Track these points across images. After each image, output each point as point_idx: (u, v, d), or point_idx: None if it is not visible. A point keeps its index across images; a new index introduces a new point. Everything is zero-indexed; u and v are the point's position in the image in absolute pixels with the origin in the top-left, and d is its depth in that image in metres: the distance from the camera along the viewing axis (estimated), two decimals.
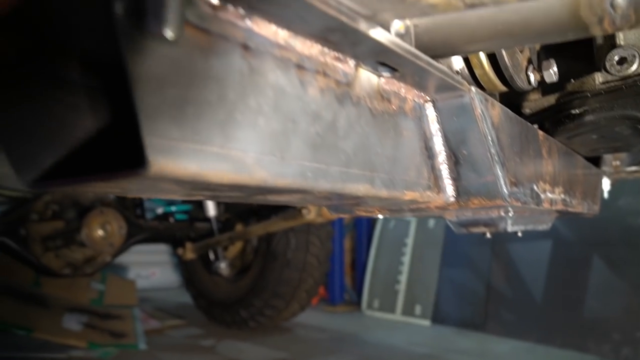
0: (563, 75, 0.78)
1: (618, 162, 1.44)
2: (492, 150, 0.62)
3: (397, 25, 0.45)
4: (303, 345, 2.94)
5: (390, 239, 3.89)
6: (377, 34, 0.40)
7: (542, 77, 0.71)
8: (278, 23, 0.38)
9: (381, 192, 0.54)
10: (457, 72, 0.71)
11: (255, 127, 0.38)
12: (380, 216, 0.84)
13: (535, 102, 0.85)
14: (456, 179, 0.65)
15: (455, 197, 0.67)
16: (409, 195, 0.59)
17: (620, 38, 0.71)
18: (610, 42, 0.72)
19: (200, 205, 3.25)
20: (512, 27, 0.48)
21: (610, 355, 2.60)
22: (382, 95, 0.52)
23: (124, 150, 0.35)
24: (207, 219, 3.17)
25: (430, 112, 0.60)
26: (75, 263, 2.62)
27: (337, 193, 0.48)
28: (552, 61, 0.70)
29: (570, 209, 1.02)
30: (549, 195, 0.86)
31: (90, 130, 0.46)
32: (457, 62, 0.70)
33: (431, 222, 3.68)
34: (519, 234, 1.12)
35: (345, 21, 0.37)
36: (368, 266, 3.93)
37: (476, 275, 3.30)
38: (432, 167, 0.63)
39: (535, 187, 0.79)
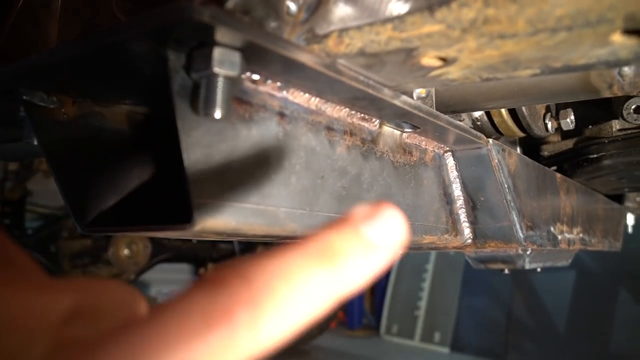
0: (581, 120, 0.81)
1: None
2: (508, 197, 0.65)
3: (419, 90, 0.49)
4: None
5: (410, 264, 3.88)
6: (400, 101, 0.44)
7: (559, 124, 0.74)
8: (310, 92, 0.42)
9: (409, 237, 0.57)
10: (477, 119, 0.75)
11: (288, 185, 0.42)
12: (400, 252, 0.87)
13: (554, 145, 0.87)
14: (473, 222, 0.68)
15: (472, 240, 0.70)
16: (427, 239, 0.62)
17: None
18: None
19: None
20: (526, 89, 0.52)
21: None
22: (404, 149, 0.56)
23: (173, 206, 0.39)
24: (229, 240, 3.23)
25: (449, 161, 0.64)
26: None
27: None
28: (570, 110, 0.73)
29: (589, 248, 1.03)
30: (567, 235, 0.88)
31: (139, 182, 0.51)
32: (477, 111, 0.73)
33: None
34: (538, 270, 1.14)
35: (371, 92, 0.41)
36: (387, 291, 3.91)
37: (497, 303, 3.26)
38: (450, 212, 0.66)
39: (552, 229, 0.81)
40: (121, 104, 0.50)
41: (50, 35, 0.55)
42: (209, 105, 0.33)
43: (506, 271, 1.08)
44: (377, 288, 4.17)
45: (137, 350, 0.18)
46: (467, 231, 0.69)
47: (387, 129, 0.53)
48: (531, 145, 0.93)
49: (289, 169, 0.42)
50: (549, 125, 0.74)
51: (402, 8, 0.33)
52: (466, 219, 0.68)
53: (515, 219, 0.66)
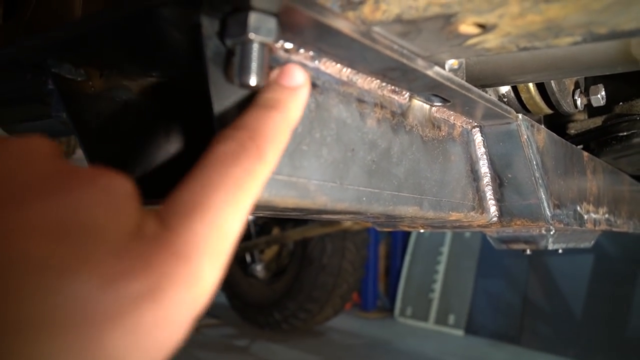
0: (611, 97, 0.79)
1: None
2: (537, 174, 0.64)
3: (452, 61, 0.48)
4: (336, 350, 2.97)
5: (425, 247, 3.88)
6: (433, 72, 0.43)
7: (589, 101, 0.72)
8: (342, 62, 0.42)
9: (428, 214, 0.56)
10: (503, 95, 0.73)
11: (319, 157, 0.41)
12: (422, 230, 0.86)
13: (581, 123, 0.85)
14: (500, 200, 0.67)
15: (498, 218, 0.69)
16: (454, 215, 0.62)
17: None
18: None
19: None
20: (561, 62, 0.50)
21: None
22: (433, 123, 0.55)
23: None
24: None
25: (477, 137, 0.63)
26: None
27: (387, 214, 0.51)
28: (601, 86, 0.71)
29: (614, 229, 1.01)
30: (593, 215, 0.86)
31: (166, 154, 0.51)
32: (504, 86, 0.71)
33: (467, 232, 3.65)
34: (560, 251, 1.12)
35: (404, 62, 0.40)
36: (402, 273, 3.92)
37: (512, 286, 3.25)
38: (477, 189, 0.65)
39: (578, 209, 0.80)
40: (148, 76, 0.50)
41: (75, 8, 0.55)
42: (244, 72, 0.32)
43: (528, 252, 1.07)
44: (392, 270, 4.19)
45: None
46: (493, 209, 0.68)
47: (417, 103, 0.52)
48: (557, 124, 0.91)
49: (320, 141, 0.41)
50: (579, 102, 0.73)
51: None
52: (492, 197, 0.67)
53: (543, 196, 0.65)
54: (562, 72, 0.52)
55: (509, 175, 0.64)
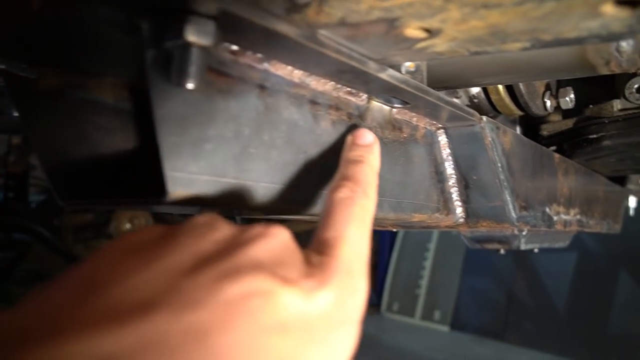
0: (581, 100, 0.79)
1: None
2: (501, 177, 0.64)
3: (408, 64, 0.47)
4: None
5: (412, 242, 3.89)
6: (386, 74, 0.42)
7: (558, 103, 0.72)
8: (293, 65, 0.41)
9: (389, 215, 0.56)
10: (474, 96, 0.73)
11: (268, 160, 0.41)
12: (394, 229, 0.87)
13: (553, 124, 0.86)
14: (466, 201, 0.67)
15: (465, 219, 0.69)
16: (417, 217, 0.62)
17: None
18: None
19: None
20: (520, 65, 0.50)
21: None
22: (394, 125, 0.55)
23: (148, 177, 0.39)
24: (232, 218, 3.25)
25: (442, 138, 0.63)
26: None
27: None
28: (570, 89, 0.71)
29: (586, 229, 1.02)
30: (563, 217, 0.87)
31: (118, 154, 0.51)
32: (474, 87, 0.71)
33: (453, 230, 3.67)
34: (535, 251, 1.13)
35: (354, 65, 0.40)
36: (389, 269, 3.93)
37: (498, 283, 3.27)
38: (442, 190, 0.65)
39: (547, 210, 0.80)
40: (103, 75, 0.49)
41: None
42: (182, 76, 0.32)
43: (502, 251, 1.08)
44: (379, 266, 4.20)
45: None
46: (459, 210, 0.68)
47: (376, 104, 0.51)
48: (531, 125, 0.91)
49: (269, 144, 0.41)
50: (548, 104, 0.73)
51: None
52: (458, 198, 0.67)
53: (508, 198, 0.65)
54: (523, 76, 0.52)
55: (474, 177, 0.64)
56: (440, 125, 0.61)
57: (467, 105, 0.72)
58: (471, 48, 0.39)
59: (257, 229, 0.31)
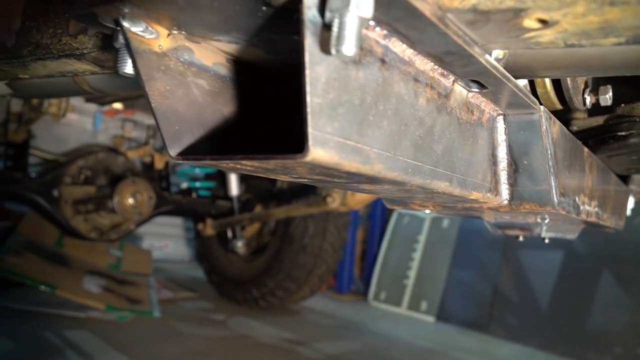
0: (614, 99, 0.85)
1: None
2: (550, 163, 0.69)
3: (498, 51, 0.52)
4: (311, 329, 3.04)
5: (403, 234, 3.97)
6: (485, 59, 0.47)
7: (597, 100, 0.78)
8: (407, 43, 0.46)
9: (455, 190, 0.61)
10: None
11: (380, 128, 0.46)
12: (431, 210, 0.92)
13: (583, 120, 0.92)
14: (512, 184, 0.73)
15: (509, 201, 0.75)
16: (474, 195, 0.67)
17: None
18: None
19: (223, 184, 3.34)
20: (591, 60, 0.55)
21: None
22: (468, 107, 0.60)
23: (282, 137, 0.43)
24: (228, 198, 3.27)
25: (500, 124, 0.68)
26: (102, 228, 2.73)
27: (424, 187, 0.56)
28: (609, 87, 0.77)
29: (601, 222, 1.09)
30: (587, 207, 0.93)
31: (223, 116, 0.54)
32: (522, 79, 0.76)
33: (445, 222, 3.76)
34: (546, 241, 1.20)
35: (465, 48, 0.44)
36: (378, 259, 4.01)
37: (484, 277, 3.38)
38: (494, 172, 0.71)
39: (577, 199, 0.86)
40: (214, 39, 0.53)
41: None
42: (343, 43, 0.36)
43: (521, 238, 1.14)
44: (368, 255, 4.28)
45: None
46: (505, 192, 0.74)
47: (458, 87, 0.56)
48: (561, 120, 0.97)
49: (382, 113, 0.46)
50: (588, 100, 0.78)
51: None
52: (506, 181, 0.73)
53: (553, 183, 0.71)
54: (589, 71, 0.57)
55: (525, 162, 0.70)
56: (501, 112, 0.67)
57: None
58: (570, 41, 0.44)
59: None
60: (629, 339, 2.69)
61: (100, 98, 2.03)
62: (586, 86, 0.80)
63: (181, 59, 0.53)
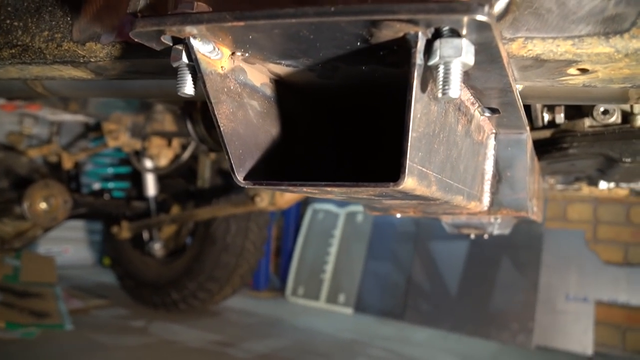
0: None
1: (552, 181, 1.73)
2: (528, 174, 0.80)
3: (519, 85, 0.60)
4: (236, 329, 3.03)
5: (318, 229, 4.08)
6: (518, 94, 0.55)
7: (553, 118, 0.91)
8: (465, 78, 0.51)
9: (463, 203, 0.69)
10: None
11: (438, 154, 0.51)
12: (413, 215, 0.99)
13: (534, 133, 1.05)
14: (494, 193, 0.83)
15: (488, 207, 0.84)
16: (470, 205, 0.75)
17: None
18: None
19: (137, 184, 3.18)
20: (578, 93, 0.66)
21: (508, 341, 3.02)
22: (479, 129, 0.67)
23: (378, 167, 0.46)
24: (144, 198, 3.12)
25: (491, 141, 0.77)
26: (4, 236, 2.47)
27: (447, 202, 0.63)
28: (562, 107, 0.90)
29: (534, 218, 1.25)
30: (535, 208, 1.08)
31: (273, 138, 0.56)
32: None
33: (359, 217, 3.93)
34: (472, 237, 1.34)
35: (512, 86, 0.51)
36: (295, 254, 4.08)
37: (398, 268, 3.60)
38: (481, 183, 0.80)
39: (533, 202, 0.99)
40: (275, 62, 0.53)
41: None
42: (449, 87, 0.40)
43: (472, 236, 1.27)
44: (283, 251, 4.33)
45: None
46: (487, 199, 0.83)
47: (476, 112, 0.63)
48: None
49: (440, 141, 0.51)
50: (546, 118, 0.91)
51: (584, 30, 0.43)
52: (489, 190, 0.82)
53: (528, 192, 0.82)
54: (571, 100, 0.67)
55: (508, 174, 0.80)
56: (494, 131, 0.76)
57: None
58: (593, 84, 0.52)
59: None
60: (523, 316, 3.05)
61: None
62: (544, 105, 0.93)
63: (238, 80, 0.53)
